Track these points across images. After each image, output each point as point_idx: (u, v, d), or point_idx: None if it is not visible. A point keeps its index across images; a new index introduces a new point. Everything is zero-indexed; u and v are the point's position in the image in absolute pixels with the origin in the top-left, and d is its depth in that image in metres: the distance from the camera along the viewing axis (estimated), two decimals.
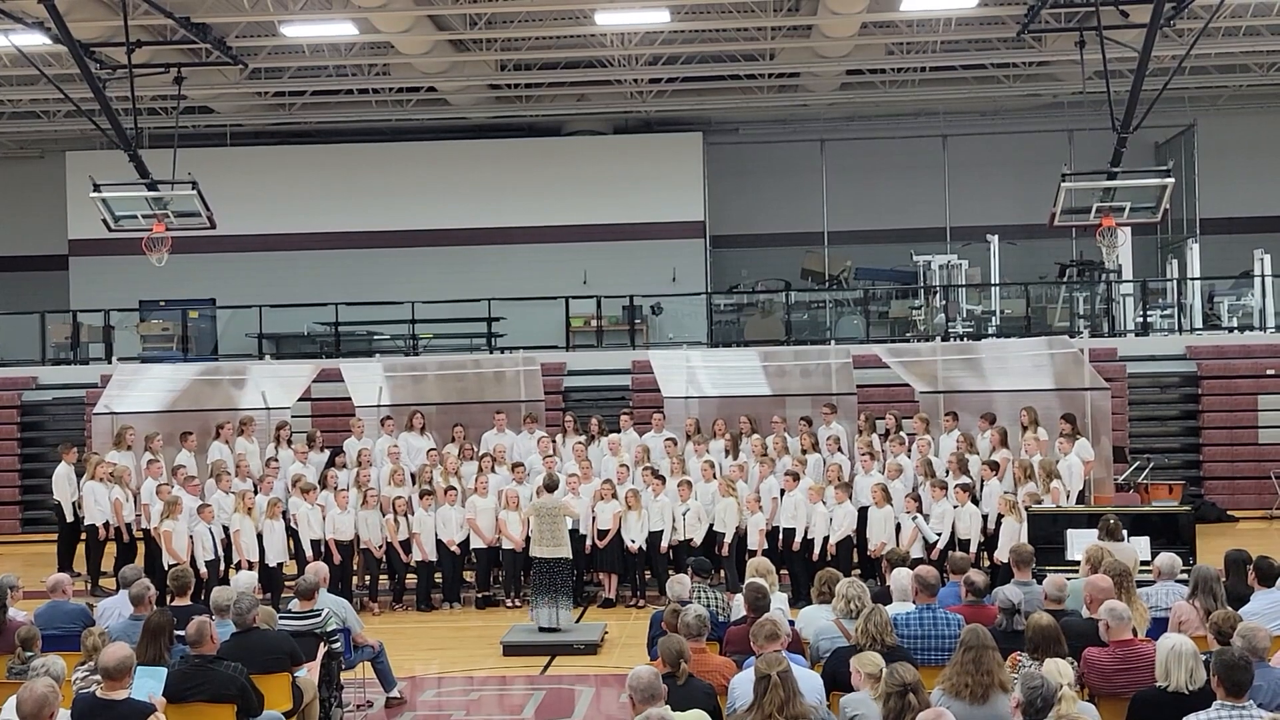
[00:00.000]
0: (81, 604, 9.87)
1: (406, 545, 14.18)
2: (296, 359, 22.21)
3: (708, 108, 25.39)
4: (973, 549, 12.96)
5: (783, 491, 13.93)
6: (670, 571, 14.08)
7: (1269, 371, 20.34)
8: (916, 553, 12.78)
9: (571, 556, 12.79)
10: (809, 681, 6.68)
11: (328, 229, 25.60)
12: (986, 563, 13.00)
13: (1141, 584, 9.08)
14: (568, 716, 10.11)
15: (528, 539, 13.29)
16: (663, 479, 14.21)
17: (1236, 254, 23.43)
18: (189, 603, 9.44)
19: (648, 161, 25.62)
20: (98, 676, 6.74)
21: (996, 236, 23.66)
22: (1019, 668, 6.73)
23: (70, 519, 15.69)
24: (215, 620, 8.08)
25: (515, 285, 23.87)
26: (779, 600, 8.75)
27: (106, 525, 14.92)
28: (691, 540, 13.83)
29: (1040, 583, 8.67)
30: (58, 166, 25.97)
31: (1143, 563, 10.28)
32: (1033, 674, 5.98)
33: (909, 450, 14.60)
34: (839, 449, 14.95)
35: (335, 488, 14.20)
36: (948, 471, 13.87)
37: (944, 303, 22.89)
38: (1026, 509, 12.60)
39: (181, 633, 7.92)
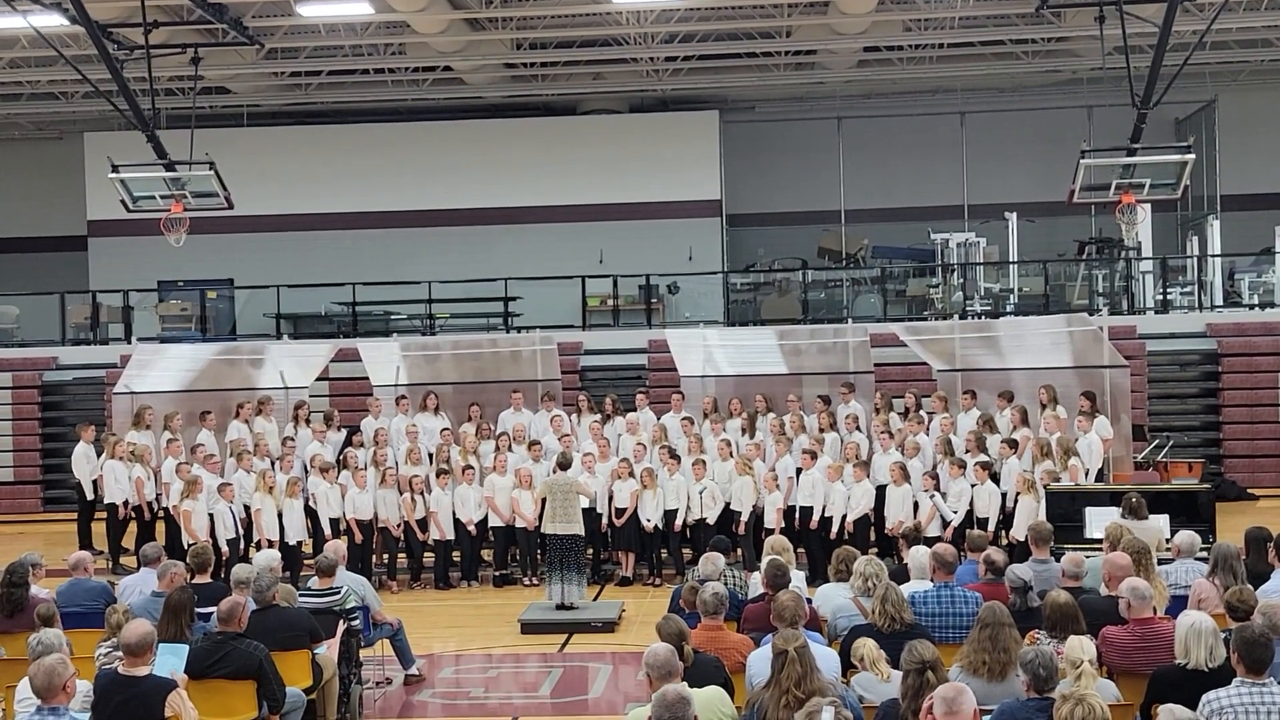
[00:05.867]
0: (103, 581, 9.97)
1: (423, 524, 14.23)
2: (314, 339, 22.29)
3: (724, 86, 25.25)
4: (991, 527, 12.96)
5: (800, 470, 13.92)
6: (688, 551, 14.17)
7: None
8: (934, 531, 12.79)
9: (584, 533, 12.86)
10: (826, 659, 6.69)
11: (344, 209, 25.59)
12: (1005, 541, 12.99)
13: (1161, 562, 9.06)
14: (585, 694, 10.16)
15: (540, 517, 13.34)
16: (678, 458, 14.22)
17: (1258, 230, 23.21)
18: (209, 580, 9.50)
19: (664, 140, 25.53)
20: (120, 653, 6.80)
21: (1015, 214, 23.48)
22: (1037, 645, 6.73)
23: (90, 497, 15.82)
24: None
25: (531, 265, 23.83)
26: (797, 578, 8.76)
27: (125, 504, 15.04)
28: (707, 519, 13.86)
29: (1058, 560, 8.66)
30: (76, 148, 26.03)
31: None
32: (1025, 651, 5.99)
33: (927, 429, 14.57)
34: (856, 427, 14.91)
35: (355, 467, 14.27)
36: (966, 450, 13.83)
37: (962, 281, 22.78)
38: (1044, 487, 12.58)
39: (202, 610, 7.97)
